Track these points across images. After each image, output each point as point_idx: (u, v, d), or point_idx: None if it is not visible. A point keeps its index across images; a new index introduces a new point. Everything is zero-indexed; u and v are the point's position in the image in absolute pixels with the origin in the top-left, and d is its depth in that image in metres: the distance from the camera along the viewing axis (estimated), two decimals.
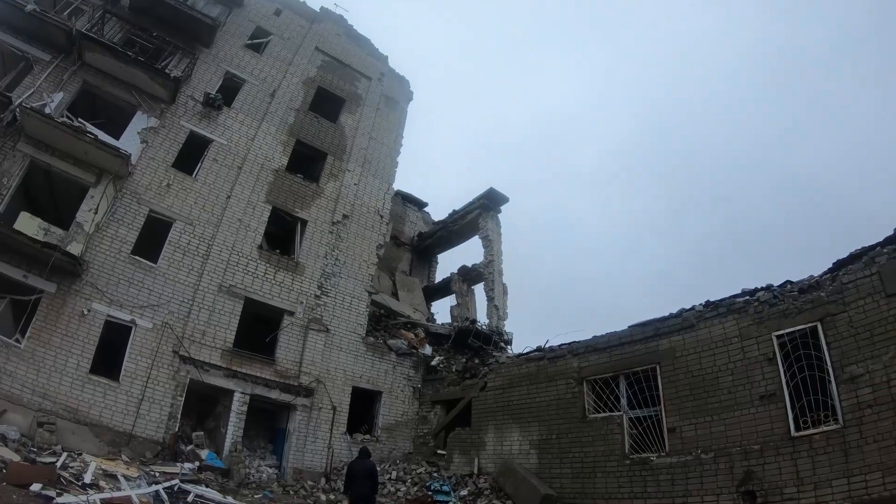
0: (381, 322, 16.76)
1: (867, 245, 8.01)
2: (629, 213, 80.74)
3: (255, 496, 10.66)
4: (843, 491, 7.38)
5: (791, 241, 61.24)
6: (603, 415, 10.46)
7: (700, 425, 8.87)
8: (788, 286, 8.74)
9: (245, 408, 12.56)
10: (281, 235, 15.54)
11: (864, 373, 7.65)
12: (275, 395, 13.07)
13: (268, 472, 12.38)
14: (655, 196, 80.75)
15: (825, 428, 7.78)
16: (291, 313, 14.05)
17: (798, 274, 10.27)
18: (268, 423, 13.69)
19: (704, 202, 76.27)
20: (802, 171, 69.69)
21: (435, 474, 12.53)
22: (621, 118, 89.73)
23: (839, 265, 8.24)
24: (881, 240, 7.96)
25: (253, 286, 13.74)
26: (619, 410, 10.21)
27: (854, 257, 8.13)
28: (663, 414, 9.45)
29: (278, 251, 14.88)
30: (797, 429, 7.95)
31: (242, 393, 12.59)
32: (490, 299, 18.21)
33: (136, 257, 12.32)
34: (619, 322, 23.16)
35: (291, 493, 11.60)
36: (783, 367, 8.27)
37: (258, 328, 13.79)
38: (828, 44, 74.63)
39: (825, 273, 8.35)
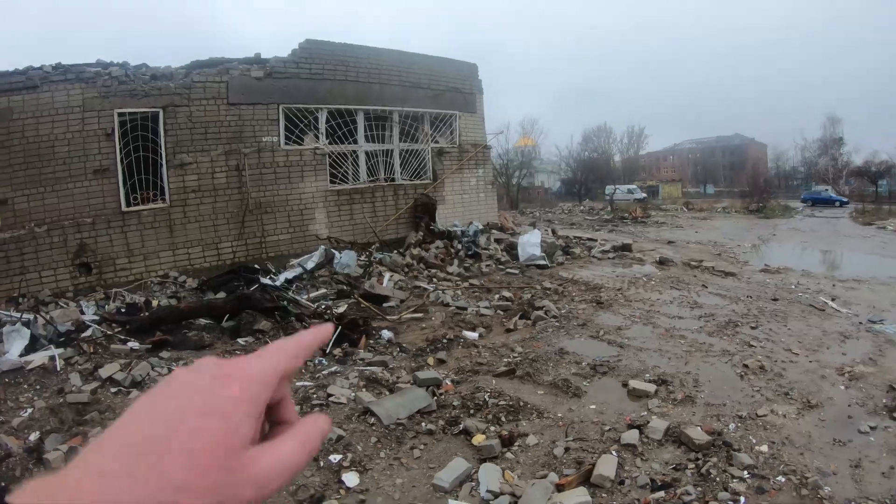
0: None
1: (228, 57, 8.86)
2: None
3: None
4: (169, 261, 8.79)
5: None
6: None
7: (33, 197, 8.16)
8: (144, 69, 8.67)
9: None
10: None
11: (193, 162, 8.93)
12: None
13: None
14: None
15: (154, 205, 8.79)
16: None
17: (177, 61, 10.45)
18: None
19: None
20: None
21: None
22: None
23: (196, 65, 8.84)
24: (240, 57, 8.97)
25: None
26: None
27: (214, 63, 8.88)
28: None
29: None
30: (128, 204, 8.57)
31: None
32: None
33: None
34: None
35: None
36: (120, 144, 8.42)
37: None
38: None
39: (182, 68, 8.80)
